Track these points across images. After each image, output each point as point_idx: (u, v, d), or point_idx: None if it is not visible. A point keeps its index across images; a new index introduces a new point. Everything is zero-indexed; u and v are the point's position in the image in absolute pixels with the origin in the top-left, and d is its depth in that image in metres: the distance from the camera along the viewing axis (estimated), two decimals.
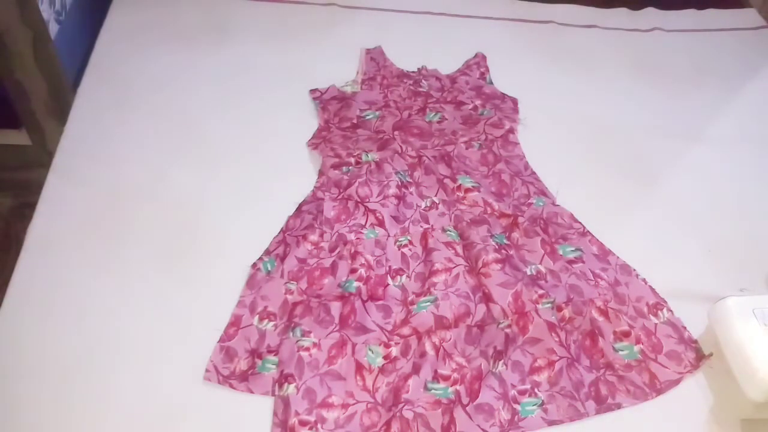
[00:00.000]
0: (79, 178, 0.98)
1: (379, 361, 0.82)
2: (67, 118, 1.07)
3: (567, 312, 0.87)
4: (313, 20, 1.31)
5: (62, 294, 0.85)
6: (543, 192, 1.03)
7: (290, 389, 0.77)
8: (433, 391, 0.78)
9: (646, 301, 0.90)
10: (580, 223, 0.99)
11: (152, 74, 1.16)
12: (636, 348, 0.85)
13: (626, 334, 0.86)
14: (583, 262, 0.93)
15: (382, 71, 1.21)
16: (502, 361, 0.82)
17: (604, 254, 0.95)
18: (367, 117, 1.12)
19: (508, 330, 0.85)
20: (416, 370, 0.80)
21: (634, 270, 0.93)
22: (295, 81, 1.17)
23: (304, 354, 0.80)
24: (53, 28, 1.15)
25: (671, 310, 0.89)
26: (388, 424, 0.76)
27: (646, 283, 0.92)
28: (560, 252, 0.94)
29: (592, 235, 0.97)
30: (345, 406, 0.78)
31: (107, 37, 1.22)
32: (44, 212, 0.94)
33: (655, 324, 0.88)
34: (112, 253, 0.90)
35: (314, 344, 0.81)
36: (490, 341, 0.84)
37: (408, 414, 0.76)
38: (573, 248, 0.95)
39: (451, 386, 0.79)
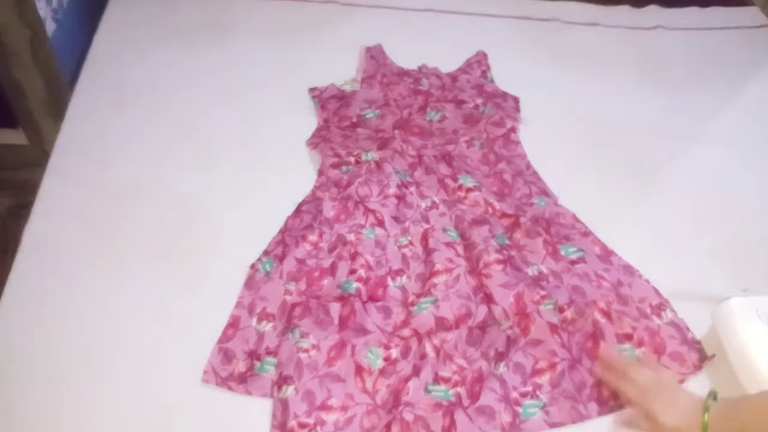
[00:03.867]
0: (76, 177, 0.98)
1: (379, 363, 0.81)
2: (64, 116, 1.06)
3: (569, 313, 0.86)
4: (313, 18, 1.31)
5: (59, 294, 0.85)
6: (545, 192, 1.02)
7: (289, 391, 0.76)
8: (433, 393, 0.78)
9: (649, 301, 0.89)
10: (582, 223, 0.98)
11: (150, 72, 1.16)
12: (638, 350, 0.84)
13: (629, 336, 0.85)
14: (586, 262, 0.92)
15: (382, 69, 1.20)
16: (504, 362, 0.81)
17: (606, 255, 0.94)
18: (367, 116, 1.11)
19: (509, 331, 0.84)
20: (416, 372, 0.79)
21: (637, 271, 0.92)
22: (295, 79, 1.17)
23: (303, 355, 0.79)
24: (50, 27, 1.14)
25: (674, 311, 0.88)
26: (388, 426, 0.75)
27: (649, 283, 0.91)
28: (562, 252, 0.93)
29: (595, 236, 0.96)
30: (344, 408, 0.77)
31: (104, 36, 1.21)
32: (41, 212, 0.93)
33: (658, 325, 0.87)
34: (110, 253, 0.90)
35: (313, 346, 0.81)
36: (492, 343, 0.83)
37: (408, 416, 0.75)
38: (575, 249, 0.94)
39: (452, 388, 0.78)
